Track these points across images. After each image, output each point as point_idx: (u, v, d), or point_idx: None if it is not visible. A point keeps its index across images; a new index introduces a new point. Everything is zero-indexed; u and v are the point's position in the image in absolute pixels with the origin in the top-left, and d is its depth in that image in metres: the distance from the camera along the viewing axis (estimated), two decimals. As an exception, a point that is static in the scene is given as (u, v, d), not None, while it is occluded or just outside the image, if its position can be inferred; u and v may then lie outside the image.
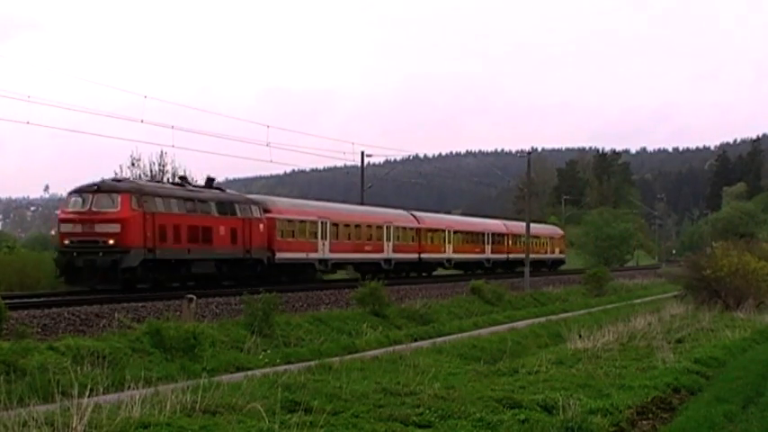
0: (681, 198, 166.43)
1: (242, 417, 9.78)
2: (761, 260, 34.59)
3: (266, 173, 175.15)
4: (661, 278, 61.08)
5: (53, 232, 38.53)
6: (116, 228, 25.29)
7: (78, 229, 25.63)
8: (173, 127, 32.82)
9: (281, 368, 15.46)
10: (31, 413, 8.60)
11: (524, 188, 72.70)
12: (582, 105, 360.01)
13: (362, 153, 51.83)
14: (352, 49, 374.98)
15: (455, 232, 48.94)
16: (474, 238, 51.98)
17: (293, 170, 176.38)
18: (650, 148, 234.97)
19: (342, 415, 10.32)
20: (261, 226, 31.52)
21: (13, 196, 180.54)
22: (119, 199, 25.66)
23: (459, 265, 50.28)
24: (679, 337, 21.23)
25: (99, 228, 25.37)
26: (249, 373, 15.05)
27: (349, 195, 78.28)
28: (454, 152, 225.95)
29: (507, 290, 39.15)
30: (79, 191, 26.39)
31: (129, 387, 11.01)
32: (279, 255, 32.68)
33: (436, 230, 46.99)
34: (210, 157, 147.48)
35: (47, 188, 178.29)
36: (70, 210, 26.19)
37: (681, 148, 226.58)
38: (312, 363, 16.23)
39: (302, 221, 34.86)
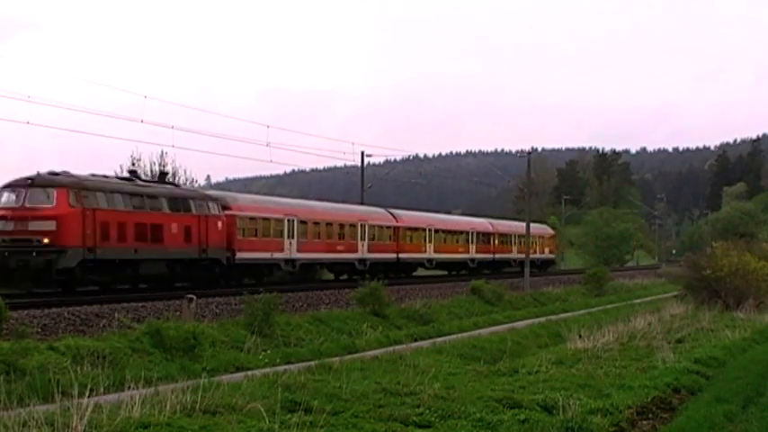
0: (681, 198, 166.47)
1: (242, 417, 9.78)
2: (761, 260, 34.62)
3: (266, 173, 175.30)
4: (661, 278, 61.07)
5: None
6: (51, 225, 23.43)
7: (10, 227, 23.65)
8: (173, 127, 32.85)
9: (281, 368, 15.46)
10: (31, 413, 8.60)
11: (524, 188, 72.57)
12: (582, 105, 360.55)
13: (362, 153, 51.94)
14: (352, 49, 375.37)
15: (436, 231, 46.92)
16: (457, 237, 50.02)
17: (293, 170, 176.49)
18: (650, 148, 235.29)
19: (342, 415, 10.32)
20: (219, 224, 29.71)
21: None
22: (54, 194, 23.75)
23: (441, 265, 48.57)
24: (679, 337, 21.24)
25: (33, 225, 23.49)
26: (249, 373, 15.06)
27: (349, 195, 78.34)
28: (454, 152, 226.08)
29: (507, 290, 39.15)
30: (12, 185, 24.46)
31: (129, 387, 11.02)
32: (240, 255, 30.97)
33: (416, 229, 44.97)
34: (210, 157, 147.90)
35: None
36: (2, 206, 24.10)
37: (681, 148, 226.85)
38: (312, 363, 16.23)
39: (266, 219, 33.02)
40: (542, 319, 30.70)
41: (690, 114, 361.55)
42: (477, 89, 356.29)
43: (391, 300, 28.89)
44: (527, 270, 45.34)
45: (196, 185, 49.24)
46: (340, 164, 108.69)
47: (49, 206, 23.69)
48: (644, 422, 11.95)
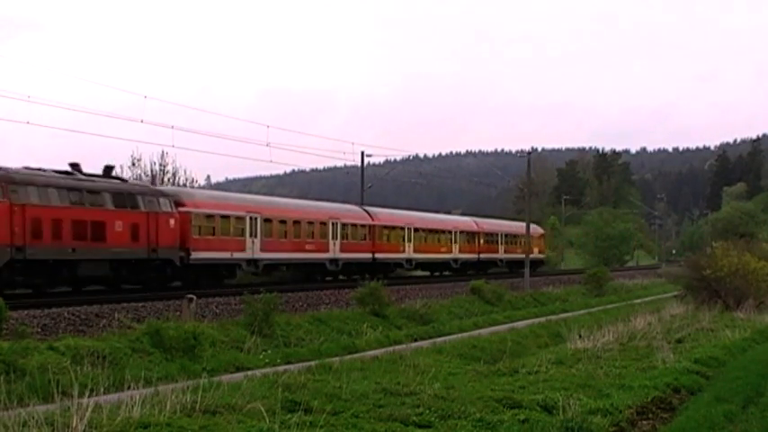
0: (681, 198, 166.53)
1: (242, 417, 9.78)
2: (761, 260, 34.65)
3: (266, 173, 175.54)
4: (661, 278, 61.07)
5: None
6: None
7: None
8: (173, 127, 32.89)
9: (281, 368, 15.47)
10: (31, 413, 8.59)
11: (524, 188, 72.63)
12: (582, 105, 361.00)
13: (362, 153, 51.90)
14: (352, 49, 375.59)
15: (416, 230, 44.90)
16: (439, 236, 47.97)
17: (293, 170, 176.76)
18: (650, 148, 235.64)
19: (342, 415, 10.32)
20: (171, 221, 27.78)
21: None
22: None
23: (421, 265, 47.09)
24: (679, 337, 21.25)
25: None
26: (249, 373, 15.08)
27: (349, 195, 78.33)
28: (454, 152, 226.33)
29: (507, 290, 39.18)
30: None
31: (129, 387, 11.03)
32: (195, 254, 29.06)
33: (393, 228, 42.90)
34: (210, 157, 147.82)
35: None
36: None
37: (681, 148, 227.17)
38: (312, 363, 16.23)
39: (225, 216, 31.05)
40: (542, 319, 30.72)
41: (690, 114, 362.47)
42: (477, 89, 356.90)
43: (391, 300, 28.90)
44: (527, 270, 45.37)
45: (196, 185, 49.23)
46: (340, 164, 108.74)
47: None
48: (644, 422, 11.95)
